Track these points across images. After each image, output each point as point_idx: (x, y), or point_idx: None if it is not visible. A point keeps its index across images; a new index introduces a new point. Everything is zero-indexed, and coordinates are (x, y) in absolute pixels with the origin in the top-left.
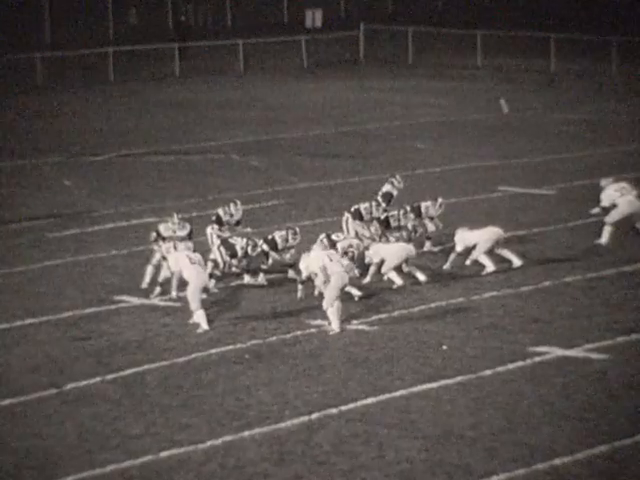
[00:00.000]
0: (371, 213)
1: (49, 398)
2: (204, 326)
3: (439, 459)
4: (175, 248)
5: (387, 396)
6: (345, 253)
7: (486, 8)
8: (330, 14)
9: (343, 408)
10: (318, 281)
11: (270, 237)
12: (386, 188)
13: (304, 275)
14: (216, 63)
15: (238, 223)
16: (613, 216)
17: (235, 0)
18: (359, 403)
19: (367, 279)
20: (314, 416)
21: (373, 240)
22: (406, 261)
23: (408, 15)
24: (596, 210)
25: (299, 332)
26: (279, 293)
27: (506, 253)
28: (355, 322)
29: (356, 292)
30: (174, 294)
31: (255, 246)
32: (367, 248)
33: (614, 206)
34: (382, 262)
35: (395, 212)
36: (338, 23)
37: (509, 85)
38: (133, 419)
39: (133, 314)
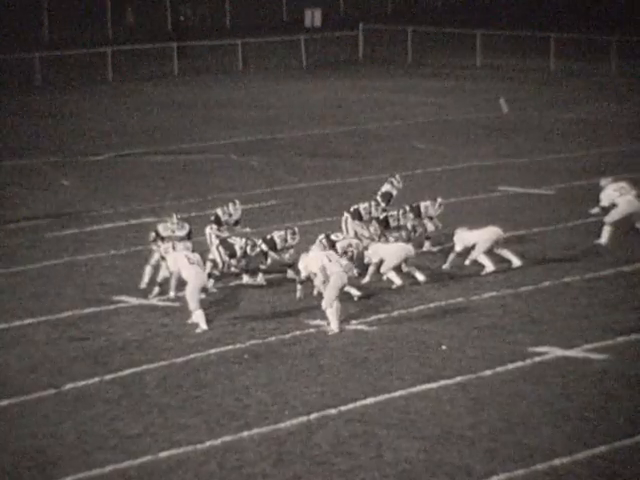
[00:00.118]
0: (370, 213)
1: (48, 398)
2: (203, 326)
3: (438, 459)
4: (174, 248)
5: (386, 396)
6: (344, 253)
7: (486, 8)
8: (329, 14)
9: (342, 408)
10: (317, 281)
11: (269, 237)
12: (385, 188)
13: (303, 275)
14: (215, 63)
15: (237, 223)
16: (612, 216)
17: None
18: (358, 403)
19: (366, 279)
20: (313, 416)
21: (372, 240)
22: (405, 261)
23: (408, 15)
24: (596, 210)
25: (298, 332)
26: (278, 293)
27: (505, 253)
28: (354, 322)
29: (355, 292)
30: (173, 294)
31: (254, 246)
32: (366, 248)
33: (613, 206)
34: (381, 262)
35: (394, 212)
36: (337, 23)
37: (509, 85)
38: (132, 419)
39: (132, 314)
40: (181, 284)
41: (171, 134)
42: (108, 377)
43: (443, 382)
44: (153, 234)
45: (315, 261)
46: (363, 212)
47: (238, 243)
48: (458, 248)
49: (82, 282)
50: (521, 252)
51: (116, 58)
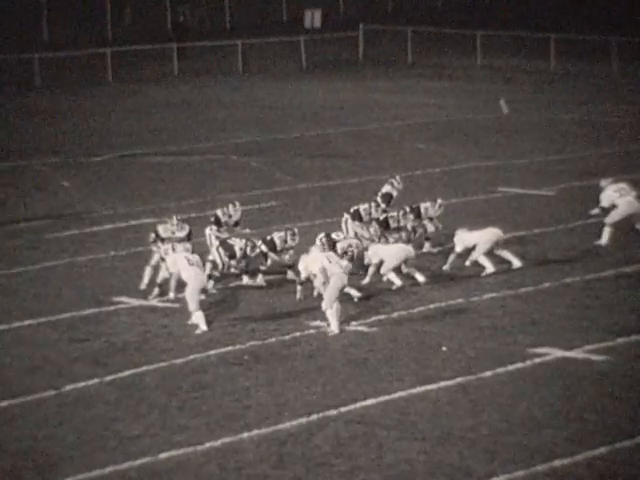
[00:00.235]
0: (370, 214)
1: (47, 400)
2: (203, 327)
3: (439, 460)
4: (173, 249)
5: (386, 397)
6: (344, 253)
7: (486, 8)
8: (329, 14)
9: (342, 409)
10: (317, 282)
11: (269, 238)
12: (386, 189)
13: (303, 276)
14: (215, 63)
15: (237, 224)
16: (613, 217)
17: (234, 0)
18: (358, 404)
19: (366, 280)
20: (313, 417)
21: (372, 241)
22: (405, 262)
23: (408, 15)
24: (596, 211)
25: (298, 333)
26: (278, 294)
27: (506, 254)
28: (354, 323)
29: (355, 293)
30: (172, 295)
31: (254, 247)
32: (366, 249)
33: (613, 207)
34: (381, 263)
35: (394, 213)
36: (337, 23)
37: (509, 85)
38: (132, 421)
39: (132, 315)
40: (181, 285)
41: (171, 135)
42: (108, 378)
43: (443, 383)
44: (153, 235)
45: (315, 262)
46: (363, 213)
47: (238, 244)
48: (458, 249)
49: (82, 283)
50: (521, 253)
51: (116, 59)
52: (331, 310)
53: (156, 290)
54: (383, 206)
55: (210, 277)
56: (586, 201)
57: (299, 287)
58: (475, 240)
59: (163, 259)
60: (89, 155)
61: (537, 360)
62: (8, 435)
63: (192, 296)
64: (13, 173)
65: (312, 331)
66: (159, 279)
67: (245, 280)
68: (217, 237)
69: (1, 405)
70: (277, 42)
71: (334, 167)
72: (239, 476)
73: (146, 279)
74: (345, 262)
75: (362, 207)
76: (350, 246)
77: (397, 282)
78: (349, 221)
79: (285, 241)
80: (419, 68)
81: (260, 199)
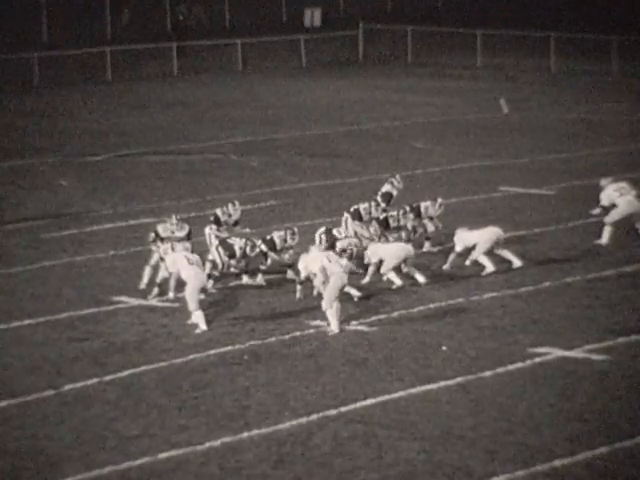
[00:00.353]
0: (370, 213)
1: (47, 399)
2: (202, 327)
3: (439, 460)
4: (173, 249)
5: (386, 397)
6: (344, 251)
7: (486, 7)
8: (329, 13)
9: (342, 409)
10: (317, 281)
11: (269, 237)
12: (386, 188)
13: (303, 275)
14: (214, 62)
15: (236, 223)
16: (613, 216)
17: None
18: (358, 404)
19: (366, 279)
20: (313, 417)
21: (372, 240)
22: (405, 261)
23: (407, 14)
24: (596, 210)
25: (298, 333)
26: (278, 294)
27: (506, 253)
28: (354, 323)
29: (355, 293)
30: (172, 295)
31: (254, 246)
32: (366, 248)
33: (614, 206)
34: (381, 262)
35: (394, 212)
36: (337, 22)
37: (509, 85)
38: (131, 420)
39: (131, 315)
40: (180, 285)
41: (170, 134)
42: (107, 378)
43: (443, 383)
44: (152, 235)
45: (315, 261)
46: (363, 212)
47: (238, 243)
48: (458, 248)
49: (81, 283)
50: (521, 252)
51: (115, 58)
52: (331, 310)
53: (155, 290)
54: (383, 205)
55: (210, 276)
56: (587, 200)
57: (299, 286)
58: (475, 239)
59: (162, 259)
60: (88, 154)
61: (537, 360)
62: (7, 435)
63: (192, 296)
64: (11, 172)
65: (312, 331)
66: (158, 279)
67: (245, 279)
68: (217, 236)
69: (0, 405)
70: (277, 41)
71: (334, 166)
72: (239, 476)
73: (145, 279)
74: (345, 261)
75: (362, 206)
76: (349, 245)
77: (397, 282)
78: (349, 220)
79: (285, 240)
80: (419, 67)
81: (260, 198)
